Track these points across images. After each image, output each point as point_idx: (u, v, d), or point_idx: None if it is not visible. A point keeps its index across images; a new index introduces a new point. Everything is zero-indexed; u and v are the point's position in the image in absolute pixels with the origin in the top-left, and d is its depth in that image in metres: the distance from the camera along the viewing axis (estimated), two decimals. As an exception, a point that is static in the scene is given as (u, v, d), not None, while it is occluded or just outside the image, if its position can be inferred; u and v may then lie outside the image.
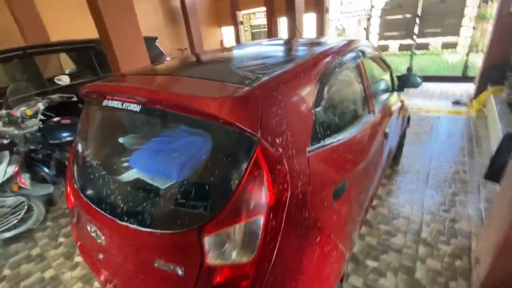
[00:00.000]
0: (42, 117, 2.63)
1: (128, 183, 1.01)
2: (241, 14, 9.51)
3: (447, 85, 6.10)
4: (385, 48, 7.65)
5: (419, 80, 2.31)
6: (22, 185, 2.30)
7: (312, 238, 0.89)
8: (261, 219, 0.73)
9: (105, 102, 1.10)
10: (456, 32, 6.34)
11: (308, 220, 0.87)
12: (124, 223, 0.89)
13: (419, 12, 6.62)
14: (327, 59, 1.21)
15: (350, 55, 1.43)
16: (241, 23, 9.62)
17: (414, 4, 6.58)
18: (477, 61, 6.08)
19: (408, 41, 7.14)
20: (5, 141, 2.41)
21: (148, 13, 8.15)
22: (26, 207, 2.40)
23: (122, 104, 1.01)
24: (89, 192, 1.11)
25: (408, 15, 6.81)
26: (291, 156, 0.83)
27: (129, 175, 1.03)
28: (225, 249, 0.74)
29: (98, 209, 0.99)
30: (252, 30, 9.78)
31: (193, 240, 0.76)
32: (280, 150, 0.80)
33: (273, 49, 1.71)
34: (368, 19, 7.42)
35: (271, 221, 0.74)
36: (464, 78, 6.14)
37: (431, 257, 1.86)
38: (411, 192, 2.56)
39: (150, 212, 0.86)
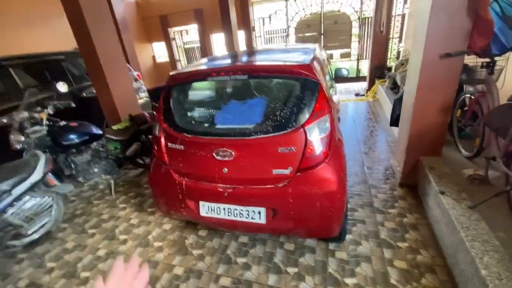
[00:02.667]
0: (48, 122, 2.75)
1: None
2: (172, 31, 10.01)
3: (348, 84, 8.36)
4: (302, 58, 9.62)
5: (345, 71, 3.62)
6: (50, 183, 2.44)
7: (340, 137, 1.82)
8: (328, 116, 1.62)
9: (210, 78, 1.78)
10: (348, 45, 8.71)
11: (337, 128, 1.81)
12: (255, 137, 1.62)
13: (322, 31, 8.76)
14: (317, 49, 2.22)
15: (320, 50, 2.50)
16: (173, 39, 10.10)
17: (318, 25, 8.67)
18: (364, 65, 8.52)
19: (317, 53, 9.27)
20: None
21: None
22: (51, 205, 2.50)
23: (230, 77, 1.73)
24: (214, 131, 1.76)
25: (315, 33, 8.86)
26: (326, 90, 1.75)
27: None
28: (316, 132, 1.60)
29: (230, 138, 1.66)
30: (186, 46, 10.37)
31: (301, 130, 1.58)
32: (324, 87, 1.71)
33: (280, 49, 2.58)
34: (287, 36, 9.21)
35: (332, 118, 1.64)
36: (358, 78, 8.49)
37: (372, 174, 3.07)
38: (351, 145, 3.86)
39: (272, 126, 1.63)
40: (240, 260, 2.09)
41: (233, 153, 1.67)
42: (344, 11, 8.40)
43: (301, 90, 1.65)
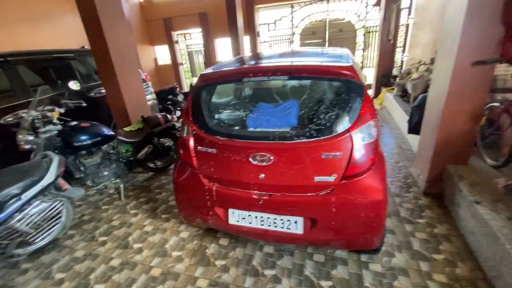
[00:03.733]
0: (58, 122, 2.61)
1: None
2: (176, 34, 9.95)
3: (353, 91, 8.35)
4: (305, 65, 9.67)
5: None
6: (62, 187, 2.29)
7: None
8: (374, 121, 1.54)
9: (246, 79, 1.68)
10: (352, 53, 8.82)
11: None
12: (297, 141, 1.53)
13: (327, 38, 8.83)
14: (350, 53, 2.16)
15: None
16: (177, 42, 10.03)
17: (323, 32, 8.74)
18: (368, 73, 8.57)
19: (321, 60, 9.31)
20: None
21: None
22: (61, 210, 2.35)
23: (269, 78, 1.64)
24: (251, 134, 1.67)
25: (319, 40, 8.92)
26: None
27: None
28: (362, 137, 1.51)
29: (268, 141, 1.57)
30: (188, 49, 10.31)
31: (347, 135, 1.49)
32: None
33: (312, 51, 2.49)
34: (291, 42, 9.24)
35: (377, 123, 1.56)
36: (362, 85, 8.53)
37: (393, 183, 3.00)
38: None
39: (316, 130, 1.54)
40: (268, 272, 1.96)
41: (271, 158, 1.57)
42: (349, 20, 8.49)
43: (345, 92, 1.57)
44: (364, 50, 8.45)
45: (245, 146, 1.61)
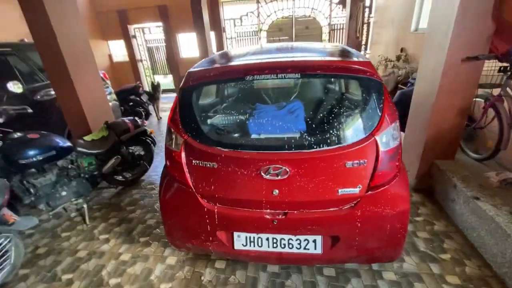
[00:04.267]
0: (-4, 134, 2.04)
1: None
2: (133, 28, 9.06)
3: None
4: (274, 62, 9.56)
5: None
6: (8, 220, 1.77)
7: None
8: (397, 123, 1.39)
9: (249, 77, 1.40)
10: (318, 50, 8.97)
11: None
12: (317, 149, 1.30)
13: (293, 35, 8.81)
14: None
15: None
16: (134, 37, 9.15)
17: (290, 29, 8.70)
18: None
19: (289, 57, 9.27)
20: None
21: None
22: (8, 248, 1.83)
23: (277, 76, 1.38)
24: (261, 143, 1.41)
25: (286, 37, 8.86)
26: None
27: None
28: (387, 141, 1.35)
29: (283, 151, 1.32)
30: (148, 45, 9.47)
31: (372, 139, 1.31)
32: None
33: (310, 47, 2.21)
34: (259, 39, 9.05)
35: (398, 124, 1.41)
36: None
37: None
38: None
39: (337, 136, 1.33)
40: (279, 296, 1.73)
41: (288, 170, 1.33)
42: (314, 17, 8.57)
43: (365, 91, 1.40)
44: (330, 47, 8.63)
45: (256, 158, 1.35)
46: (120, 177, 3.00)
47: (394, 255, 1.54)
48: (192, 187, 1.48)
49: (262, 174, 1.35)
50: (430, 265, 1.88)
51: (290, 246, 1.47)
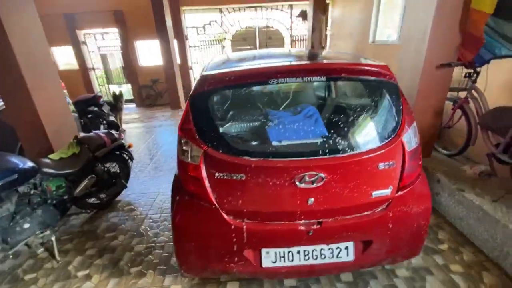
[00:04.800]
0: None
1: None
2: (83, 34, 8.22)
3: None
4: (239, 71, 9.57)
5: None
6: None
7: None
8: (415, 123, 1.44)
9: (273, 80, 1.32)
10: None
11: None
12: (351, 153, 1.27)
13: (257, 45, 8.98)
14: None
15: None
16: (84, 43, 8.29)
17: (253, 38, 8.84)
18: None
19: (254, 66, 9.40)
20: None
21: None
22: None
23: (303, 79, 1.33)
24: (293, 149, 1.31)
25: (251, 46, 8.98)
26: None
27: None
28: (411, 141, 1.38)
29: (317, 157, 1.25)
30: (101, 52, 8.65)
31: (398, 140, 1.33)
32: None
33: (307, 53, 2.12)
34: (223, 47, 8.99)
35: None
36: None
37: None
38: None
39: (366, 138, 1.31)
40: (304, 311, 1.64)
41: (323, 176, 1.27)
42: (277, 28, 8.87)
43: (386, 94, 1.43)
44: (293, 57, 9.00)
45: (289, 166, 1.26)
46: (94, 199, 2.60)
47: (417, 251, 1.58)
48: (216, 203, 1.32)
49: (297, 182, 1.27)
50: (434, 257, 1.99)
51: (323, 256, 1.41)
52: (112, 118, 4.98)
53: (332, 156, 1.28)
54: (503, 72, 2.51)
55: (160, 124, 6.16)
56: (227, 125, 1.38)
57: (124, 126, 5.82)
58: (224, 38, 8.81)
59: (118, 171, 2.84)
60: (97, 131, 2.63)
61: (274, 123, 1.48)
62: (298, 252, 1.40)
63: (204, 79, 1.39)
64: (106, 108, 4.86)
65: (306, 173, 1.26)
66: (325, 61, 1.53)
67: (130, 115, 7.29)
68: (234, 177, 1.29)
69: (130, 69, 8.51)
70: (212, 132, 1.34)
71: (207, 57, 9.01)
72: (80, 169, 2.28)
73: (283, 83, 1.34)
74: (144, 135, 5.32)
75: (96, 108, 4.75)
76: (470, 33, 2.32)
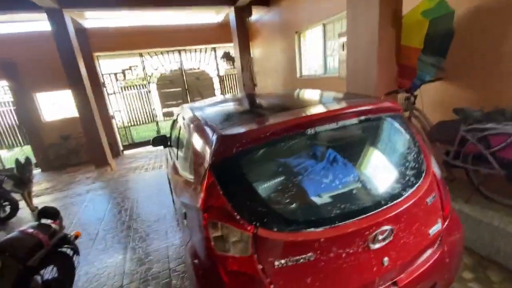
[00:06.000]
0: None
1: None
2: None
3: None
4: (170, 114, 8.95)
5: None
6: None
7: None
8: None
9: (310, 131, 1.14)
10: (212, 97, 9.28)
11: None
12: (406, 194, 1.17)
13: (186, 86, 8.74)
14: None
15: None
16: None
17: (181, 80, 8.56)
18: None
19: (185, 107, 9.03)
20: None
21: None
22: None
23: (337, 124, 1.20)
24: (355, 205, 1.12)
25: (179, 88, 8.66)
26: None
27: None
28: (435, 168, 1.40)
29: (382, 208, 1.11)
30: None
31: (431, 171, 1.32)
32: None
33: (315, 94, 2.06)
34: (148, 92, 8.35)
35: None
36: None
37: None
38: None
39: (410, 175, 1.26)
40: None
41: (392, 229, 1.12)
42: (203, 69, 8.91)
43: (402, 128, 1.44)
44: (223, 94, 9.12)
45: (361, 227, 1.06)
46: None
47: (454, 278, 1.57)
48: None
49: (370, 244, 1.08)
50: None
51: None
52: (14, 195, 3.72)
53: (394, 202, 1.17)
54: (430, 94, 3.06)
55: (88, 189, 4.99)
56: (273, 191, 1.09)
57: (36, 201, 4.44)
58: (149, 82, 8.25)
59: (58, 276, 2.00)
60: (23, 228, 1.81)
61: (311, 175, 1.26)
62: (375, 324, 1.17)
63: (226, 140, 1.10)
64: (8, 185, 3.61)
65: (377, 230, 1.09)
66: (352, 104, 1.44)
67: (38, 185, 5.69)
68: (301, 260, 1.00)
69: (29, 127, 6.86)
70: (258, 205, 1.04)
71: (130, 104, 8.18)
72: (5, 296, 1.47)
73: (320, 131, 1.19)
74: (69, 210, 4.14)
75: (-9, 188, 3.46)
76: (404, 64, 2.77)
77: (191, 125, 1.52)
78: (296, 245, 1.00)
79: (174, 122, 2.68)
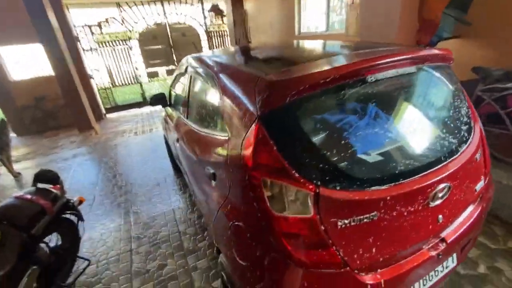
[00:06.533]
0: None
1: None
2: None
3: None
4: (154, 74, 8.31)
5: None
6: None
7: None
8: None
9: (370, 77, 0.99)
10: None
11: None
12: (461, 152, 1.10)
13: (171, 42, 7.99)
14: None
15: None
16: None
17: (165, 36, 7.78)
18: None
19: (171, 67, 8.36)
20: None
21: None
22: None
23: (398, 71, 1.05)
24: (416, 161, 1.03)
25: (163, 45, 7.92)
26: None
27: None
28: (481, 124, 1.33)
29: (440, 165, 1.04)
30: None
31: (478, 126, 1.26)
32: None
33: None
34: (130, 48, 7.58)
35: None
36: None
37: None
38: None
39: (462, 130, 1.18)
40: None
41: (451, 186, 1.06)
42: (189, 24, 8.13)
43: (451, 79, 1.31)
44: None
45: (424, 184, 0.97)
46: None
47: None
48: (347, 263, 0.91)
49: (430, 202, 1.01)
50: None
51: (442, 270, 1.22)
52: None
53: (452, 159, 1.08)
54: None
55: (74, 153, 4.67)
56: (333, 146, 0.95)
57: (16, 167, 4.11)
58: (130, 38, 7.44)
59: (63, 243, 1.86)
60: (20, 194, 1.59)
61: (372, 131, 1.11)
62: (427, 278, 1.16)
63: (278, 86, 0.92)
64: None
65: (438, 187, 1.01)
66: (399, 50, 1.26)
67: (16, 149, 5.26)
68: (365, 220, 0.91)
69: (-5, 86, 6.12)
70: (318, 162, 0.91)
71: (110, 63, 7.44)
72: (12, 269, 1.32)
73: (378, 80, 1.04)
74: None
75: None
76: (426, 19, 2.58)
77: (220, 74, 1.30)
78: (361, 204, 0.91)
79: (177, 77, 2.39)
